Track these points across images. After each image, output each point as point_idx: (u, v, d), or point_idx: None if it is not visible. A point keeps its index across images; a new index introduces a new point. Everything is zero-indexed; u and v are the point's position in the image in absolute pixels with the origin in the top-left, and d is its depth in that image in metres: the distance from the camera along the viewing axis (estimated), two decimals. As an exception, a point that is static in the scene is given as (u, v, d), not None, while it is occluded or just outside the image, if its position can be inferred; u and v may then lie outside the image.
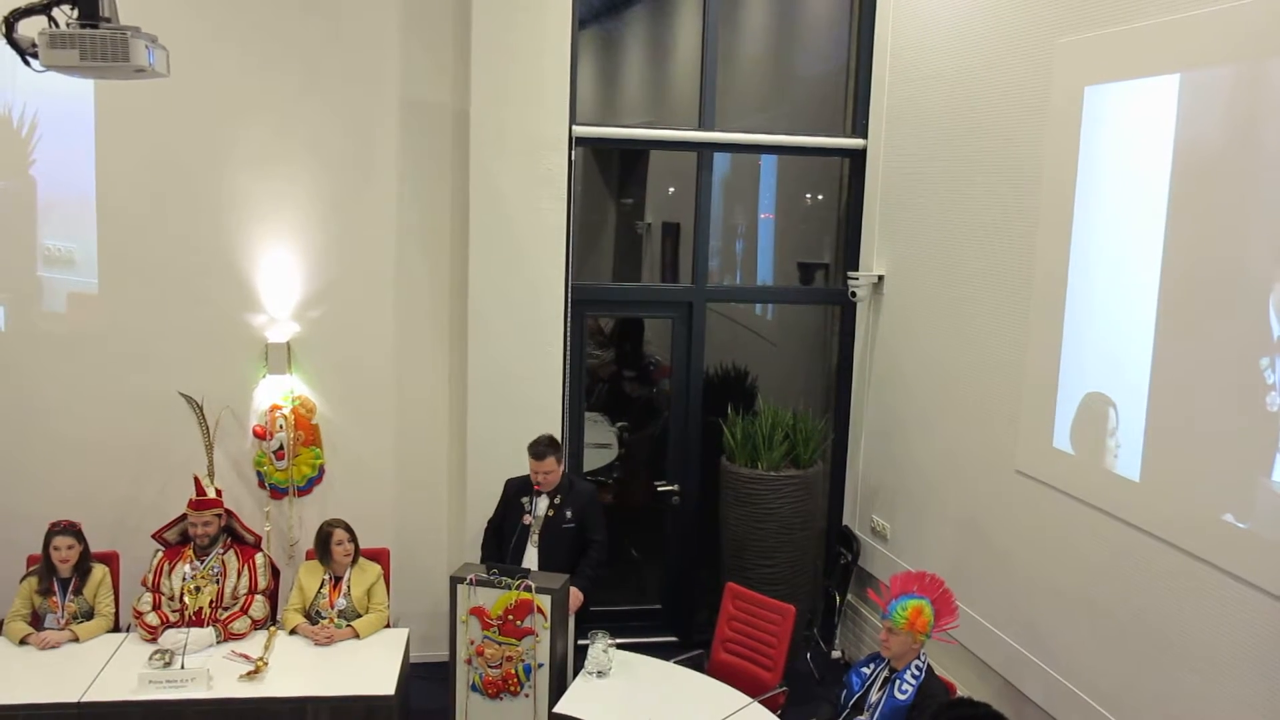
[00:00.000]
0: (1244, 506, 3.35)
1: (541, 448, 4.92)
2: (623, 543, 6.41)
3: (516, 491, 5.04)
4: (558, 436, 5.16)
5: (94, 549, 4.78)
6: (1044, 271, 4.32)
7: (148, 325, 5.38)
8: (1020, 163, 4.51)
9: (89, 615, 4.69)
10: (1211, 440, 3.47)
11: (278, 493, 5.56)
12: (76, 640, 4.58)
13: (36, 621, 4.62)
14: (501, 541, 5.03)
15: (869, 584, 5.89)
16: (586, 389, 6.25)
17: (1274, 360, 3.22)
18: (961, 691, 4.32)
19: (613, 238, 7.25)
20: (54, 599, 4.62)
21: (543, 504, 4.99)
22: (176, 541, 4.87)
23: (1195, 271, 3.54)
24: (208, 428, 5.32)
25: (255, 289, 5.47)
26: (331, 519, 4.90)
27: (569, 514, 4.97)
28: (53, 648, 4.51)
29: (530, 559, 4.95)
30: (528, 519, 4.97)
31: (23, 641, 4.52)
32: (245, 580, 4.81)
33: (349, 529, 4.86)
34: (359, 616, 4.79)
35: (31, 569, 4.71)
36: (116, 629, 4.76)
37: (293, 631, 4.73)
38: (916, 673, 3.97)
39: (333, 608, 4.78)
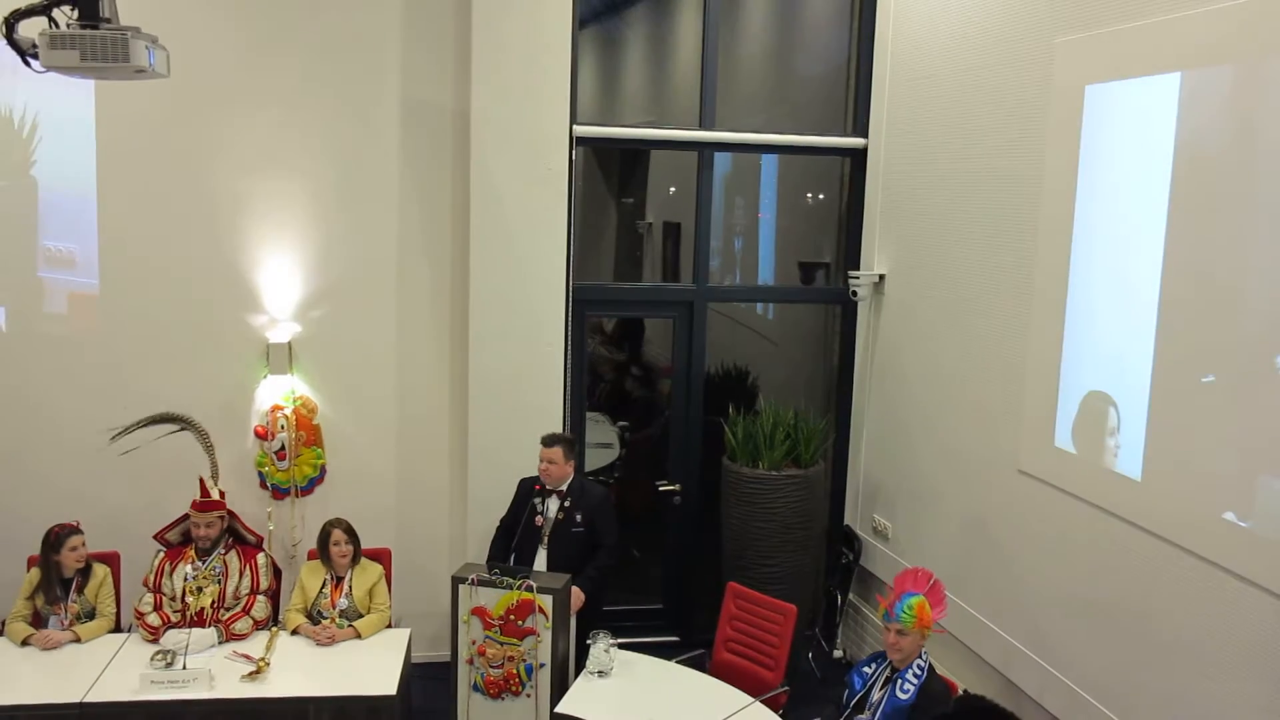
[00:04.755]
0: (1244, 505, 3.35)
1: (551, 436, 4.95)
2: (624, 542, 6.40)
3: (529, 491, 5.03)
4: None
5: (94, 549, 4.77)
6: (1045, 269, 4.32)
7: (149, 326, 5.39)
8: (1021, 161, 4.50)
9: (91, 615, 4.68)
10: (1212, 439, 3.46)
11: (279, 493, 5.56)
12: (78, 640, 4.58)
13: (39, 622, 4.61)
14: (511, 541, 5.02)
15: (870, 583, 5.89)
16: (588, 388, 6.25)
17: (1274, 358, 3.22)
18: (963, 690, 4.31)
19: (614, 237, 7.25)
20: (57, 601, 4.62)
21: (553, 505, 4.97)
22: (178, 542, 4.87)
23: (1196, 270, 3.53)
24: (202, 434, 5.29)
25: (256, 289, 5.48)
26: (332, 519, 4.89)
27: (579, 517, 4.95)
28: (54, 648, 4.51)
29: (540, 560, 4.93)
30: (539, 520, 4.97)
31: (24, 642, 4.52)
32: (247, 580, 4.81)
33: (348, 529, 4.84)
34: (360, 616, 4.79)
35: (32, 569, 4.70)
36: (118, 629, 4.76)
37: (294, 632, 4.73)
38: (918, 672, 3.97)
39: (334, 608, 4.78)
